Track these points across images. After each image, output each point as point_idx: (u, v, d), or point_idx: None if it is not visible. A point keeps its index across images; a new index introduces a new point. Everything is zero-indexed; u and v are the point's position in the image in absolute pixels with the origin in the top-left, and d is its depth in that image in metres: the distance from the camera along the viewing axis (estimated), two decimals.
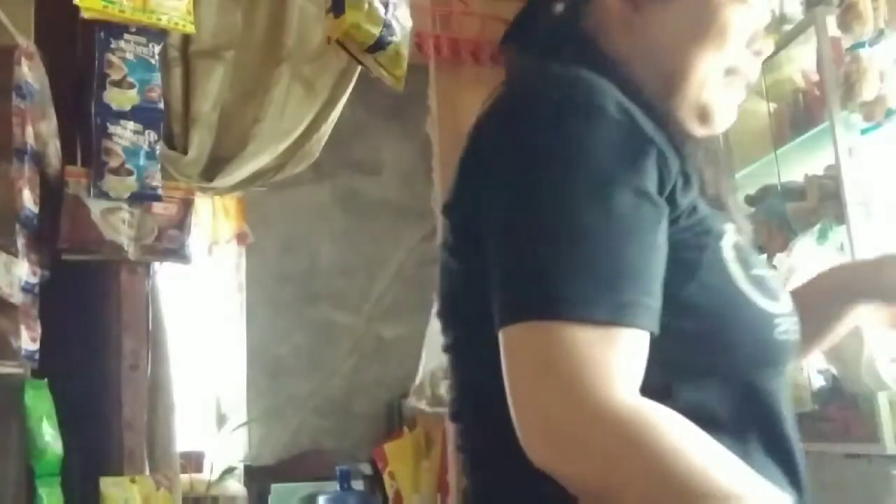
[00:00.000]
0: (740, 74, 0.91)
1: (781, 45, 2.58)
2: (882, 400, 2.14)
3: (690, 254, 0.75)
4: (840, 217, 2.25)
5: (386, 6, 1.87)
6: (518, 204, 0.72)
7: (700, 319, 0.75)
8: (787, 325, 0.79)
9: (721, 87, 0.89)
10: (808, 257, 2.24)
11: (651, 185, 0.72)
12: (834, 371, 2.30)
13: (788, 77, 2.64)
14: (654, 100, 0.81)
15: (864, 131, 2.23)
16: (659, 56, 0.85)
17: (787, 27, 2.63)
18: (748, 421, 0.77)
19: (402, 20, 1.91)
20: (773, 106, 2.67)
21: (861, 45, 2.18)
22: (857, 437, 2.23)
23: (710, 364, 0.76)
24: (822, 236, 2.26)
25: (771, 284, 0.79)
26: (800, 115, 2.55)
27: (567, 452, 0.67)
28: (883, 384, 2.09)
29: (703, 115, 0.88)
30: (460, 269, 0.82)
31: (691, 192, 0.77)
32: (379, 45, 1.89)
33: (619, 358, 0.67)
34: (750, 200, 2.73)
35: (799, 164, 2.54)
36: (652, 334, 0.70)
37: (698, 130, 0.89)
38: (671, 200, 0.74)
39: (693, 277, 0.75)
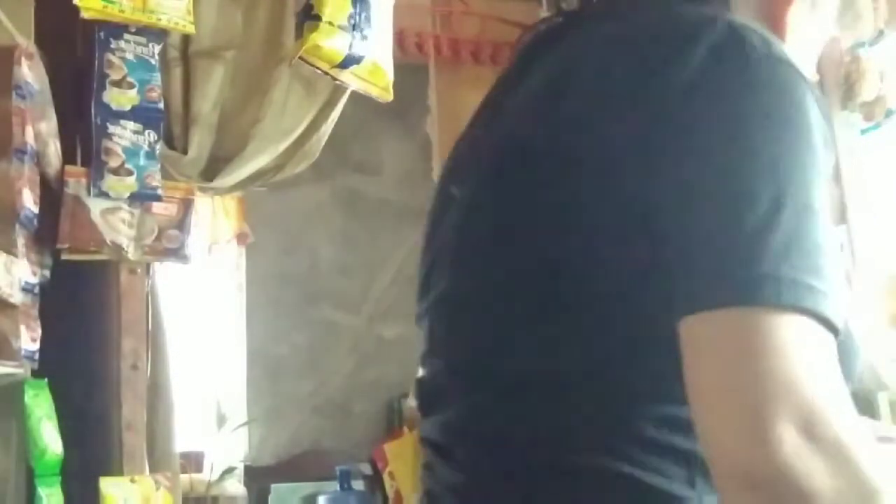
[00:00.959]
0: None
1: None
2: (882, 400, 2.14)
3: None
4: (840, 217, 2.25)
5: (354, 23, 1.86)
6: (735, 165, 0.58)
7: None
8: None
9: None
10: None
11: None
12: None
13: None
14: None
15: (864, 131, 2.23)
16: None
17: None
18: None
19: (381, 32, 1.90)
20: None
21: (861, 45, 2.18)
22: None
23: None
24: None
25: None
26: None
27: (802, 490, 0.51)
28: (883, 384, 2.09)
29: None
30: (493, 207, 0.70)
31: None
32: (350, 60, 1.88)
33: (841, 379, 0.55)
34: None
35: None
36: None
37: None
38: None
39: None
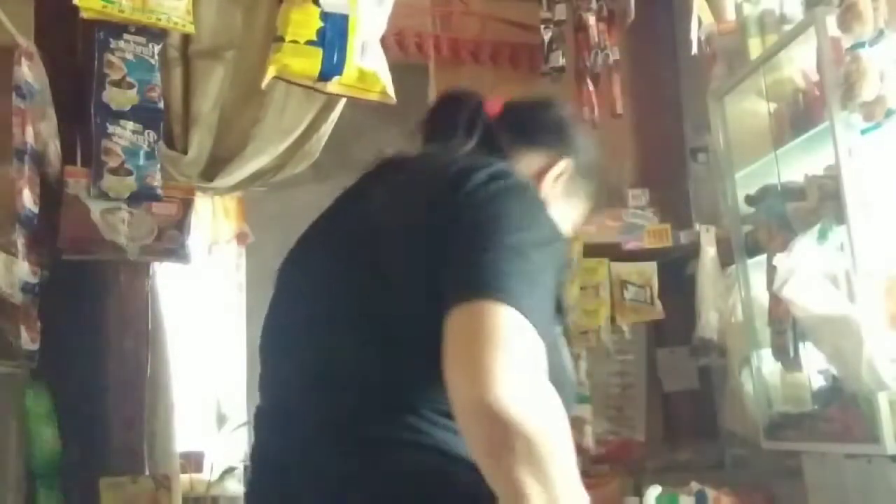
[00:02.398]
0: None
1: (781, 45, 2.58)
2: (882, 400, 2.14)
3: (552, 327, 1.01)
4: (840, 217, 2.25)
5: (325, 37, 1.87)
6: (510, 232, 0.96)
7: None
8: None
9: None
10: (808, 257, 2.25)
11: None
12: (834, 371, 2.31)
13: (788, 77, 2.64)
14: None
15: (864, 131, 2.22)
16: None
17: (787, 27, 2.63)
18: None
19: (368, 38, 1.90)
20: (773, 106, 2.67)
21: (861, 45, 2.18)
22: (857, 437, 2.23)
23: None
24: (822, 236, 2.26)
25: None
26: (800, 115, 2.55)
27: (520, 400, 0.83)
28: (883, 384, 2.09)
29: None
30: (376, 270, 1.03)
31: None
32: (328, 73, 1.90)
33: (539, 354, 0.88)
34: (750, 200, 2.73)
35: (799, 164, 2.54)
36: None
37: None
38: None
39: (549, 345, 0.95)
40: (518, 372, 0.84)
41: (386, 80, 1.95)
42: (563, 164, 1.25)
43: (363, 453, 0.96)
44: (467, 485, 0.88)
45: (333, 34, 1.85)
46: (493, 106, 1.28)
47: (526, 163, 1.23)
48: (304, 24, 1.88)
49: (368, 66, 1.87)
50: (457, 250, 0.95)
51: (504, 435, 0.81)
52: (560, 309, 1.06)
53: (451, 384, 0.85)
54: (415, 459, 0.95)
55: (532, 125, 1.28)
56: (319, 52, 1.86)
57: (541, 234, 0.99)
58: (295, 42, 1.87)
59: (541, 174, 1.24)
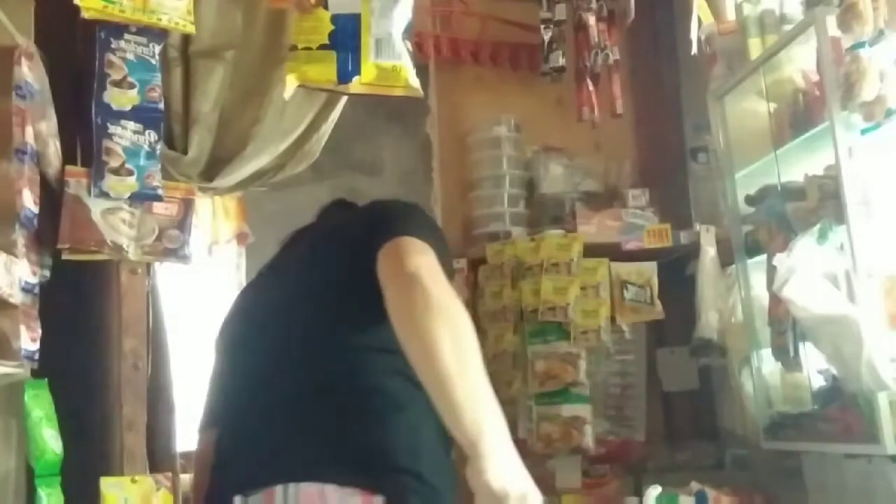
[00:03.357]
0: None
1: (781, 45, 2.58)
2: (882, 400, 2.14)
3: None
4: (840, 217, 2.25)
5: (338, 40, 1.88)
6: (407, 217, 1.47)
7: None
8: None
9: None
10: (808, 257, 2.25)
11: None
12: (834, 371, 2.31)
13: (788, 77, 2.64)
14: None
15: (864, 131, 2.23)
16: None
17: (787, 27, 2.63)
18: None
19: (389, 34, 1.90)
20: (773, 106, 2.67)
21: (861, 45, 2.18)
22: (857, 437, 2.23)
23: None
24: (822, 236, 2.26)
25: None
26: (800, 115, 2.55)
27: (433, 281, 1.25)
28: (883, 384, 2.09)
29: None
30: (329, 273, 1.49)
31: None
32: (346, 75, 1.91)
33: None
34: (750, 200, 2.73)
35: (799, 164, 2.54)
36: None
37: None
38: None
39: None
40: (430, 261, 1.28)
41: (409, 74, 1.94)
42: None
43: (336, 373, 1.36)
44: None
45: (345, 36, 1.86)
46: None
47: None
48: (314, 29, 1.89)
49: (386, 61, 1.86)
50: (375, 227, 1.40)
51: (422, 294, 1.21)
52: None
53: (383, 273, 1.30)
54: (376, 378, 1.34)
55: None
56: (333, 55, 1.87)
57: (429, 224, 1.50)
58: (308, 49, 1.89)
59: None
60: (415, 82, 1.92)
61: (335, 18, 1.86)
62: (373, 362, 1.35)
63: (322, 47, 1.87)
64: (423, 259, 1.26)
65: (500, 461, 1.10)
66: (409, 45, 1.88)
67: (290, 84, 1.97)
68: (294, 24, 1.97)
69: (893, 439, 2.12)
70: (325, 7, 1.97)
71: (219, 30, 2.37)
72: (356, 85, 1.92)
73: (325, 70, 1.91)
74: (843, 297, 2.20)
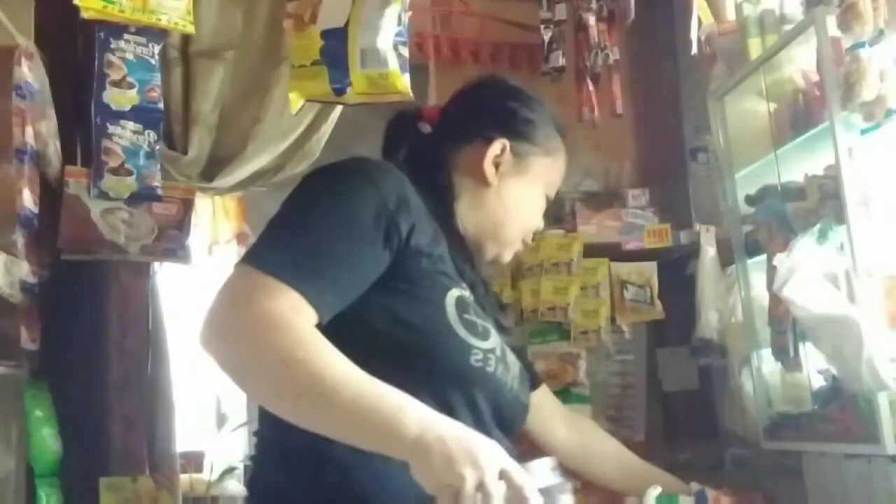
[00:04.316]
0: (527, 241, 1.33)
1: (781, 45, 2.58)
2: (882, 400, 2.14)
3: (418, 288, 1.08)
4: (840, 217, 2.25)
5: (329, 55, 1.90)
6: (285, 210, 1.15)
7: (411, 332, 1.05)
8: (483, 356, 1.08)
9: (517, 244, 1.31)
10: (808, 257, 2.24)
11: (371, 227, 1.06)
12: (834, 371, 2.30)
13: (788, 77, 2.64)
14: (468, 230, 1.25)
15: (864, 131, 2.22)
16: (494, 211, 1.26)
17: (787, 27, 2.63)
18: None
19: (379, 43, 1.92)
20: (773, 106, 2.66)
21: (861, 45, 2.18)
22: (857, 437, 2.22)
23: (413, 371, 1.03)
24: (822, 236, 2.26)
25: (480, 328, 1.10)
26: (800, 115, 2.55)
27: (222, 341, 0.98)
28: (883, 384, 2.09)
29: (495, 262, 1.30)
30: None
31: (436, 251, 1.12)
32: (340, 88, 1.93)
33: (279, 300, 0.97)
34: (750, 200, 2.73)
35: (799, 164, 2.53)
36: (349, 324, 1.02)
37: (487, 260, 1.29)
38: (408, 243, 1.08)
39: (415, 299, 1.07)
40: (216, 312, 1.01)
41: (398, 80, 1.96)
42: (496, 147, 1.26)
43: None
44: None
45: (334, 50, 1.88)
46: (431, 113, 1.35)
47: (468, 159, 1.26)
48: (307, 47, 1.91)
49: (373, 70, 1.88)
50: None
51: (210, 354, 1.00)
52: (459, 270, 1.18)
53: None
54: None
55: (459, 120, 1.31)
56: (324, 70, 1.89)
57: (331, 187, 1.11)
58: (303, 66, 1.91)
59: (478, 165, 1.25)
60: (405, 87, 1.94)
61: (324, 34, 1.88)
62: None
63: (314, 63, 1.90)
64: (214, 308, 1.01)
65: (433, 453, 0.88)
66: (400, 50, 1.89)
67: (295, 102, 1.99)
68: (292, 43, 1.98)
69: (893, 439, 2.12)
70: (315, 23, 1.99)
71: (219, 30, 2.37)
72: (352, 96, 1.95)
73: (320, 85, 1.93)
74: (843, 297, 2.19)
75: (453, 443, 0.88)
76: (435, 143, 1.30)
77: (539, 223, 1.32)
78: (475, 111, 1.31)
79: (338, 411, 0.91)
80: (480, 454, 0.88)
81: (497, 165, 1.26)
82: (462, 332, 1.08)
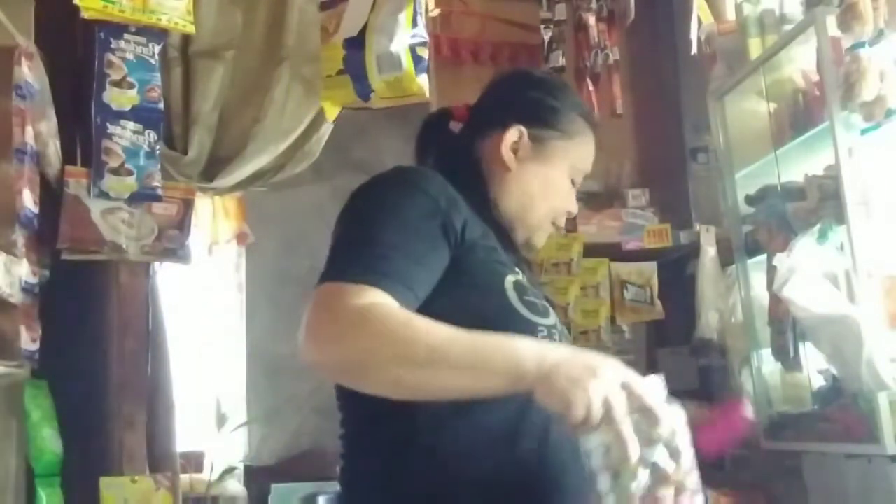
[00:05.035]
0: (557, 224, 1.34)
1: (781, 45, 2.58)
2: (882, 400, 2.14)
3: (478, 278, 1.13)
4: (840, 217, 2.25)
5: (350, 65, 1.93)
6: (346, 224, 1.20)
7: (479, 320, 1.04)
8: (548, 332, 1.14)
9: (546, 228, 1.33)
10: (808, 257, 2.25)
11: (428, 226, 1.11)
12: (834, 371, 2.31)
13: (788, 77, 2.64)
14: (502, 216, 1.27)
15: (864, 131, 2.23)
16: (518, 196, 1.29)
17: (787, 27, 2.63)
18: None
19: (393, 50, 1.94)
20: (773, 106, 2.67)
21: (861, 45, 2.18)
22: (857, 437, 2.23)
23: None
24: (822, 236, 2.26)
25: (540, 307, 1.16)
26: (800, 115, 2.55)
27: (331, 343, 1.01)
28: (883, 384, 2.09)
29: (529, 246, 1.33)
30: None
31: (488, 244, 1.17)
32: (363, 95, 1.96)
33: (365, 295, 1.02)
34: (750, 200, 2.73)
35: (799, 164, 2.54)
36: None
37: (521, 244, 1.31)
38: (463, 238, 1.13)
39: (476, 289, 1.12)
40: (313, 325, 1.03)
41: (414, 82, 1.98)
42: (513, 133, 1.29)
43: None
44: None
45: (354, 58, 1.91)
46: (461, 112, 1.39)
47: (490, 148, 1.30)
48: (331, 58, 1.95)
49: (388, 74, 1.91)
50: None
51: (322, 366, 1.03)
52: (513, 254, 1.23)
53: None
54: None
55: (483, 113, 1.36)
56: (348, 79, 1.93)
57: (382, 199, 1.16)
58: (329, 76, 1.96)
59: (498, 152, 1.29)
60: (420, 88, 1.96)
61: (345, 43, 1.92)
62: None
63: (339, 73, 1.95)
64: (309, 324, 1.04)
65: (556, 377, 0.93)
66: (418, 52, 1.91)
67: (330, 111, 2.05)
68: (321, 55, 2.03)
69: (893, 439, 2.12)
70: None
71: (219, 30, 2.37)
72: (377, 100, 2.00)
73: (345, 94, 1.98)
74: (843, 297, 2.19)
75: (572, 363, 0.95)
76: (465, 139, 1.34)
77: (568, 206, 1.33)
78: (496, 102, 1.36)
79: (462, 369, 0.97)
80: (600, 369, 0.95)
81: (515, 151, 1.29)
82: (526, 312, 1.13)
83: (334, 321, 1.02)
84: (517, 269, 1.20)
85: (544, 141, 1.30)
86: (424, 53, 1.92)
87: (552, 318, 1.19)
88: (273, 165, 2.50)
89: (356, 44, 1.91)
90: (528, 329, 1.11)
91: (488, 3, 3.52)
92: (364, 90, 1.95)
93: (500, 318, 1.11)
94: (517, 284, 1.16)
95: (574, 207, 1.35)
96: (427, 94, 2.00)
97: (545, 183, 1.30)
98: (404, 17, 1.88)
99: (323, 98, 2.00)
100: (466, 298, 1.11)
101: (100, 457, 2.28)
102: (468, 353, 0.97)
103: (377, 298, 1.02)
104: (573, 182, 1.34)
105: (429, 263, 1.10)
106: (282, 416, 3.90)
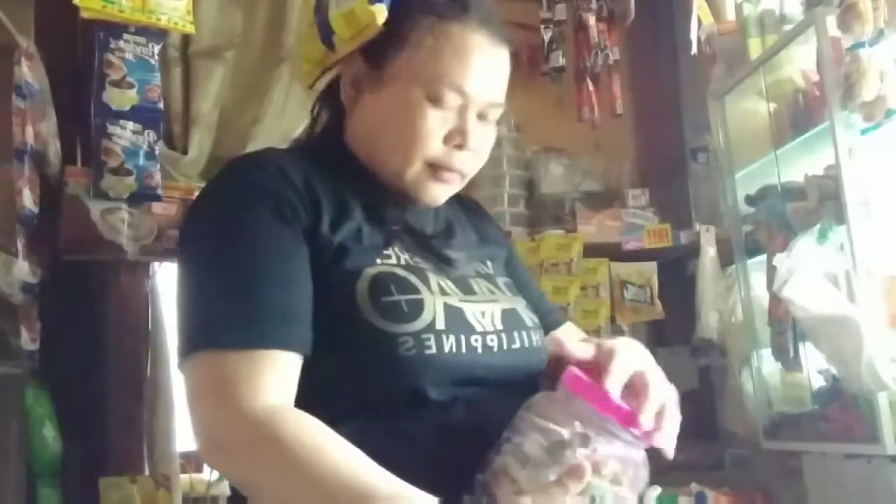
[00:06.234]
0: (442, 166, 1.02)
1: (781, 45, 2.58)
2: (882, 400, 2.14)
3: (330, 287, 0.91)
4: (840, 217, 2.25)
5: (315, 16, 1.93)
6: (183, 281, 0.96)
7: (336, 348, 0.89)
8: (415, 341, 0.88)
9: (424, 175, 1.02)
10: (808, 257, 2.24)
11: (276, 230, 0.92)
12: (834, 371, 2.30)
13: (788, 77, 2.64)
14: (370, 169, 1.04)
15: (864, 131, 2.22)
16: (363, 136, 1.06)
17: (787, 27, 2.63)
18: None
19: None
20: (773, 106, 2.67)
21: (861, 45, 2.18)
22: (857, 437, 2.22)
23: (352, 391, 0.90)
24: (822, 236, 2.26)
25: (407, 307, 0.90)
26: (800, 115, 2.55)
27: (221, 455, 0.89)
28: (883, 384, 2.09)
29: (404, 192, 1.03)
30: None
31: (352, 225, 0.95)
32: (327, 37, 1.94)
33: (260, 375, 0.85)
34: (750, 200, 2.73)
35: (799, 164, 2.53)
36: (307, 357, 0.89)
37: (417, 200, 1.04)
38: (314, 234, 0.93)
39: (329, 311, 0.90)
40: (205, 422, 0.91)
41: (366, 9, 1.96)
42: (350, 67, 1.10)
43: None
44: None
45: (320, 5, 1.91)
46: None
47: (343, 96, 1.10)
48: (307, 16, 1.93)
49: (345, 6, 1.90)
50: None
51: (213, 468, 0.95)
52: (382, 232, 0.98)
53: None
54: None
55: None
56: (315, 29, 1.92)
57: (221, 222, 0.94)
58: (303, 36, 1.94)
59: (344, 95, 1.09)
60: (371, 15, 1.94)
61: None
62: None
63: (309, 26, 1.93)
64: (199, 420, 0.90)
65: None
66: None
67: (307, 77, 2.02)
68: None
69: (893, 439, 2.12)
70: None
71: (219, 30, 2.38)
72: (339, 43, 1.96)
73: (314, 46, 1.95)
74: (843, 297, 2.19)
75: None
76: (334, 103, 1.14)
77: (433, 132, 1.01)
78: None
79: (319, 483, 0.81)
80: None
81: (358, 87, 1.08)
82: (379, 320, 0.89)
83: (229, 427, 0.86)
84: (390, 249, 0.97)
85: (382, 62, 1.07)
86: None
87: (426, 316, 0.91)
88: None
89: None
90: (385, 343, 0.89)
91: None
92: (326, 34, 1.93)
93: (351, 338, 0.90)
94: (375, 280, 0.92)
95: (459, 133, 1.02)
96: (380, 21, 1.99)
97: (388, 110, 1.03)
98: None
99: (299, 56, 1.96)
100: (326, 327, 0.90)
101: (100, 457, 2.29)
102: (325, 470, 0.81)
103: (270, 376, 0.85)
104: (449, 101, 1.02)
105: (298, 275, 0.91)
106: None
